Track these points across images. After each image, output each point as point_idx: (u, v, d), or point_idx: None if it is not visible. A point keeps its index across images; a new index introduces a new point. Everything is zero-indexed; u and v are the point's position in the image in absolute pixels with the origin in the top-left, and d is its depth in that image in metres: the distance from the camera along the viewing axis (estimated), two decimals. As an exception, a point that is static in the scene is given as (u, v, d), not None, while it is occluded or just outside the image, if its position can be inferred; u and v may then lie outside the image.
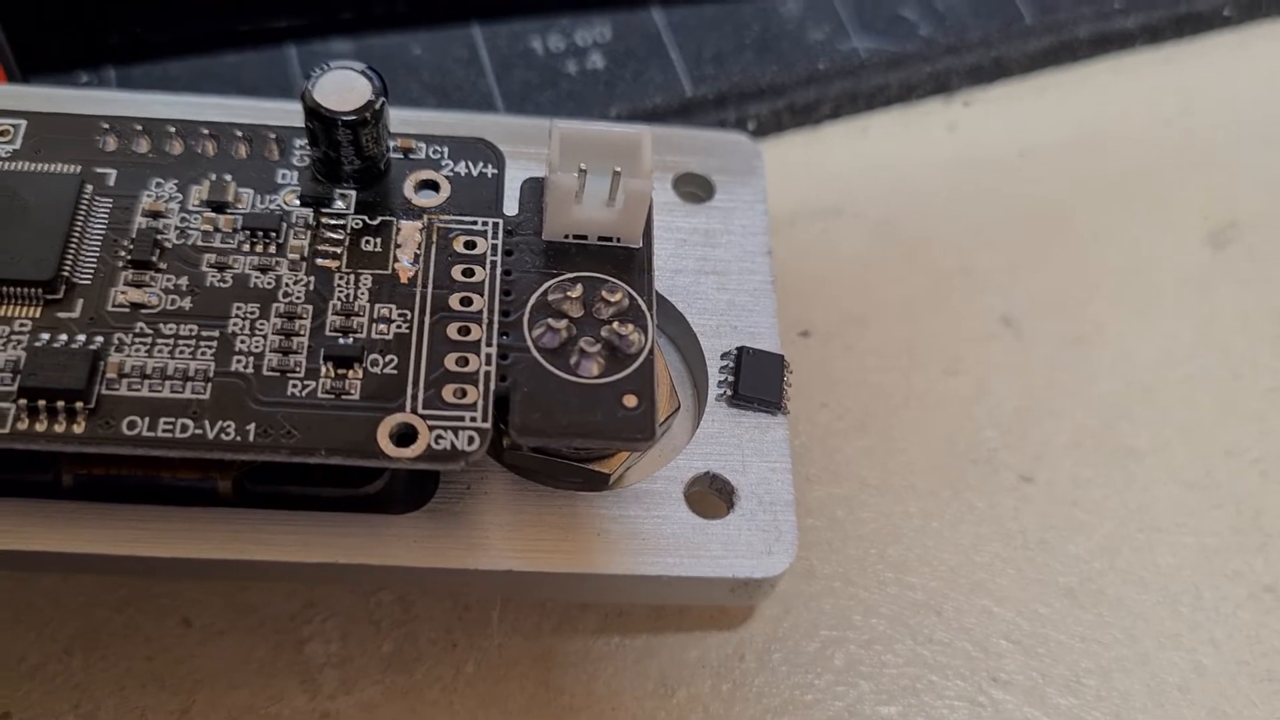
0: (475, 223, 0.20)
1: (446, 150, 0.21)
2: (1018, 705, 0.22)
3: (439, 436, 0.18)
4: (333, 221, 0.20)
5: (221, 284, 0.19)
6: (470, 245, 0.20)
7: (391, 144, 0.21)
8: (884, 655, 0.22)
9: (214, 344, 0.19)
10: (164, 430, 0.18)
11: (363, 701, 0.21)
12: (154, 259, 0.19)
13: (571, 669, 0.22)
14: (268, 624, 0.22)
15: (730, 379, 0.21)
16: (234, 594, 0.22)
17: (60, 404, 0.18)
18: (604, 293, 0.19)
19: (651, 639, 0.22)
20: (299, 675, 0.21)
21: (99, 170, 0.20)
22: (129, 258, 0.19)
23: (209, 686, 0.21)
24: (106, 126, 0.20)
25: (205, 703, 0.21)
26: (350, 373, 0.18)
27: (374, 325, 0.19)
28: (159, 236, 0.19)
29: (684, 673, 0.22)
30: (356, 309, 0.19)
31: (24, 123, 0.20)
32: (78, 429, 0.18)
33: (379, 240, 0.20)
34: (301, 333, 0.19)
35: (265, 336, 0.19)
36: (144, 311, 0.19)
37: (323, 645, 0.21)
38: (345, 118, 0.19)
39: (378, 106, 0.19)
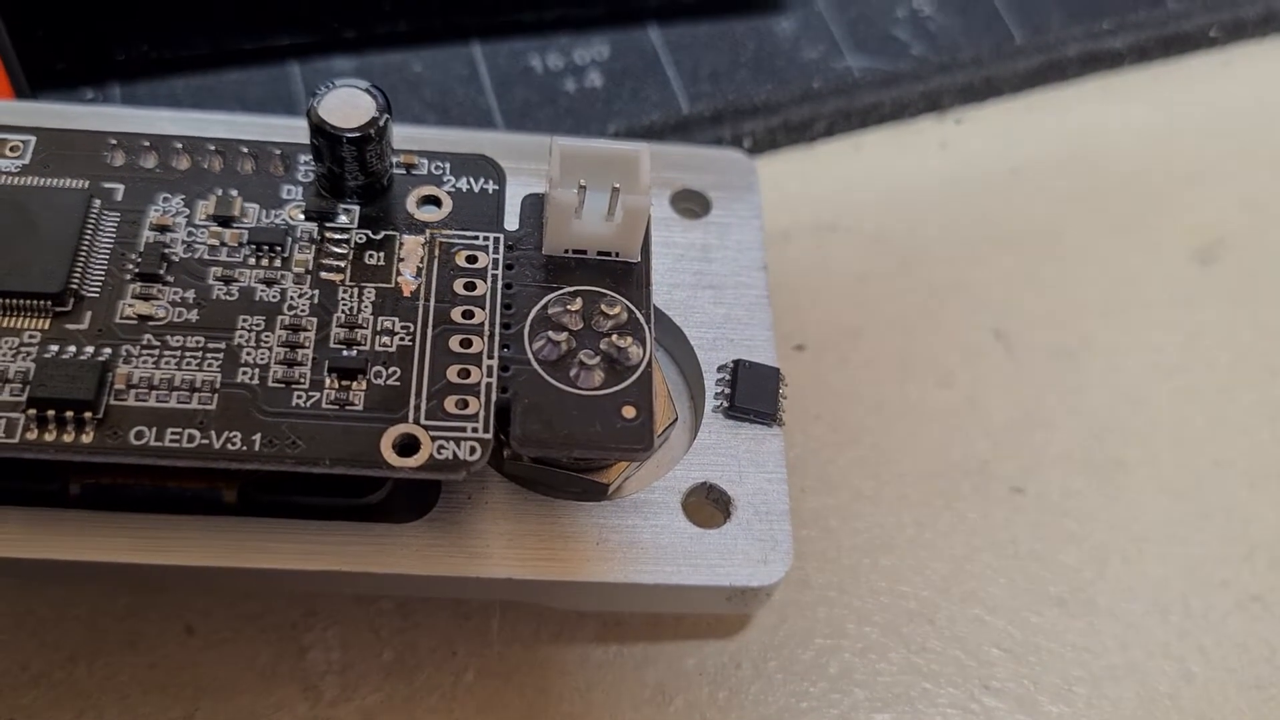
0: (477, 237, 0.21)
1: (448, 166, 0.21)
2: (1009, 712, 0.22)
3: (441, 447, 0.18)
4: (337, 236, 0.20)
5: (227, 297, 0.19)
6: (472, 259, 0.20)
7: (394, 160, 0.21)
8: (878, 663, 0.23)
9: (220, 355, 0.19)
10: (171, 440, 0.18)
11: (363, 708, 0.21)
12: (161, 272, 0.20)
13: (570, 677, 0.22)
14: (269, 632, 0.22)
15: (727, 391, 0.22)
16: (236, 602, 0.22)
17: (69, 414, 0.18)
18: (603, 306, 0.20)
19: (649, 647, 0.22)
20: (300, 682, 0.21)
21: (107, 185, 0.20)
22: (136, 271, 0.19)
23: (211, 694, 0.21)
24: (114, 142, 0.21)
25: (208, 710, 0.21)
26: (354, 384, 0.19)
27: (377, 338, 0.19)
28: (166, 250, 0.20)
29: (681, 681, 0.22)
30: (360, 321, 0.19)
31: (33, 139, 0.21)
32: (86, 439, 0.18)
33: (382, 254, 0.20)
34: (306, 345, 0.19)
35: (270, 348, 0.19)
36: (151, 323, 0.19)
37: (324, 653, 0.22)
38: (350, 135, 0.20)
39: (381, 124, 0.20)
